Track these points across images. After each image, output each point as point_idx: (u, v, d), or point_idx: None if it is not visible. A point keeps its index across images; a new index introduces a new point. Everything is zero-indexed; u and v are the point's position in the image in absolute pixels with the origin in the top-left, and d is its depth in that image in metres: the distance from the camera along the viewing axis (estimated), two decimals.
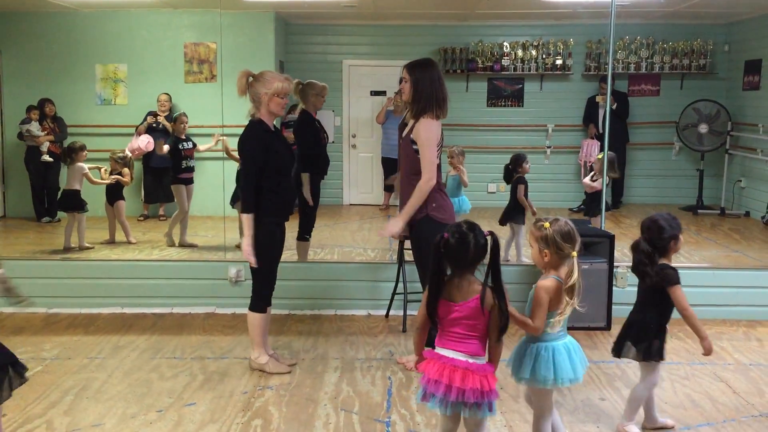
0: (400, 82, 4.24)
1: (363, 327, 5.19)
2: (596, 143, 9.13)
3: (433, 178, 4.05)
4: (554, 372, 2.92)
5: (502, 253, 3.13)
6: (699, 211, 9.06)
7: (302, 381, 4.15)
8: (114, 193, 7.14)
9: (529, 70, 9.78)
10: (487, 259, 2.75)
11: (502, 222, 6.36)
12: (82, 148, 7.05)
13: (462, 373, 2.69)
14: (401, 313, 5.17)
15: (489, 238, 2.74)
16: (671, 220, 3.34)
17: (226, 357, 4.54)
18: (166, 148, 6.99)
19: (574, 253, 2.89)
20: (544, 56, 9.74)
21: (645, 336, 3.36)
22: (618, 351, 3.44)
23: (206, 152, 7.25)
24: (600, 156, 6.58)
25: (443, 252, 2.72)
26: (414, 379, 4.18)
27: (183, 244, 7.02)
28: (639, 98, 9.85)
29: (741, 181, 9.14)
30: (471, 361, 2.72)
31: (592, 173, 6.64)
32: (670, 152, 9.81)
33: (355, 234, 8.02)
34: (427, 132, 4.03)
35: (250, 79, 4.06)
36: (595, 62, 9.78)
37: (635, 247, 3.38)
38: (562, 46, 9.70)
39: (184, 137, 7.07)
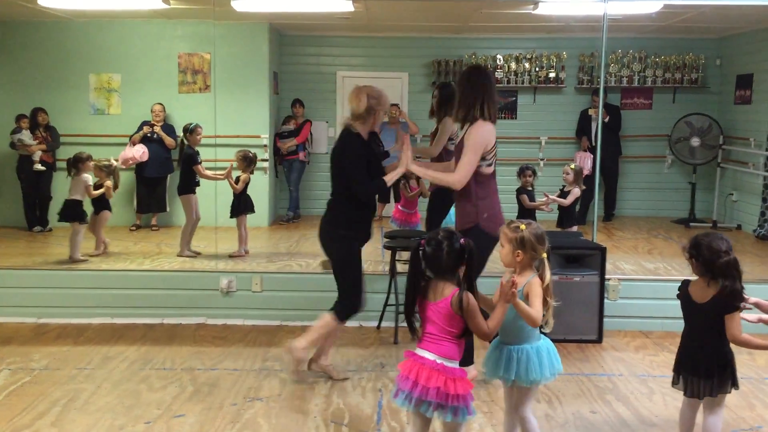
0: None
1: (354, 338, 5.17)
2: (589, 156, 9.16)
3: (463, 181, 3.97)
4: (542, 371, 3.05)
5: None
6: (691, 224, 9.08)
7: (292, 393, 4.13)
8: (100, 202, 7.02)
9: (523, 83, 9.82)
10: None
11: None
12: (89, 158, 6.94)
13: (428, 372, 2.77)
14: (393, 324, 5.15)
15: (466, 245, 2.86)
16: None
17: (216, 368, 4.51)
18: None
19: (545, 255, 3.02)
20: (537, 69, 9.78)
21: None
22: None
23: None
24: (573, 166, 6.63)
25: (421, 258, 2.86)
26: None
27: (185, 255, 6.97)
28: (631, 111, 9.88)
29: (733, 194, 9.17)
30: (439, 361, 2.79)
31: (560, 190, 6.67)
32: (662, 165, 9.84)
33: None
34: (474, 137, 3.96)
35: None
36: (587, 75, 9.83)
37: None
38: (555, 59, 9.74)
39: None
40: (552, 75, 9.76)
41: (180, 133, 8.57)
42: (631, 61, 9.72)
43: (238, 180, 6.95)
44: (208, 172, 7.12)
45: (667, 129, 9.48)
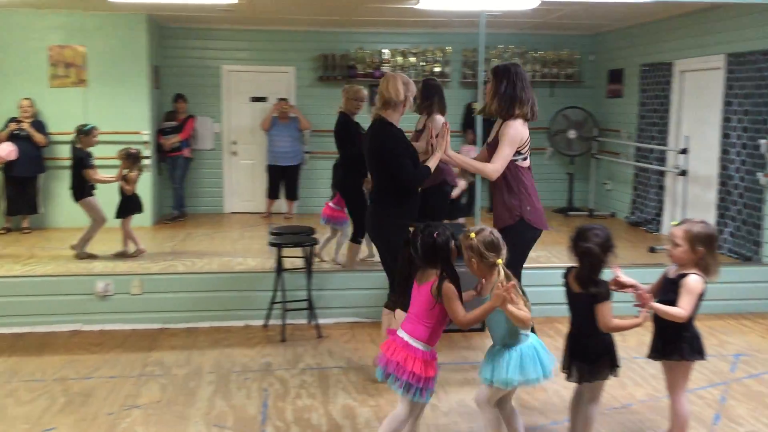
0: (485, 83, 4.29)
1: (240, 338, 5.06)
2: (474, 149, 9.38)
3: (500, 171, 4.02)
4: (520, 373, 3.05)
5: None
6: (569, 212, 9.49)
7: (173, 398, 3.99)
8: None
9: (410, 77, 9.89)
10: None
11: None
12: None
13: (395, 347, 3.04)
14: (280, 322, 5.08)
15: (438, 238, 3.05)
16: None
17: (91, 377, 4.29)
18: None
19: (499, 261, 3.03)
20: (423, 63, 9.92)
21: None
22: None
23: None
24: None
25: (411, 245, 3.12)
26: (291, 389, 4.12)
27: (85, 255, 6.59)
28: None
29: (607, 183, 9.66)
30: (406, 338, 3.04)
31: None
32: (542, 157, 10.21)
33: (236, 243, 7.83)
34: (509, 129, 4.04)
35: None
36: (471, 70, 10.05)
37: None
38: (440, 54, 9.91)
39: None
40: (437, 69, 9.92)
41: (52, 129, 8.13)
42: (511, 56, 10.03)
43: (125, 179, 6.68)
44: (100, 176, 6.75)
45: (546, 122, 9.86)
